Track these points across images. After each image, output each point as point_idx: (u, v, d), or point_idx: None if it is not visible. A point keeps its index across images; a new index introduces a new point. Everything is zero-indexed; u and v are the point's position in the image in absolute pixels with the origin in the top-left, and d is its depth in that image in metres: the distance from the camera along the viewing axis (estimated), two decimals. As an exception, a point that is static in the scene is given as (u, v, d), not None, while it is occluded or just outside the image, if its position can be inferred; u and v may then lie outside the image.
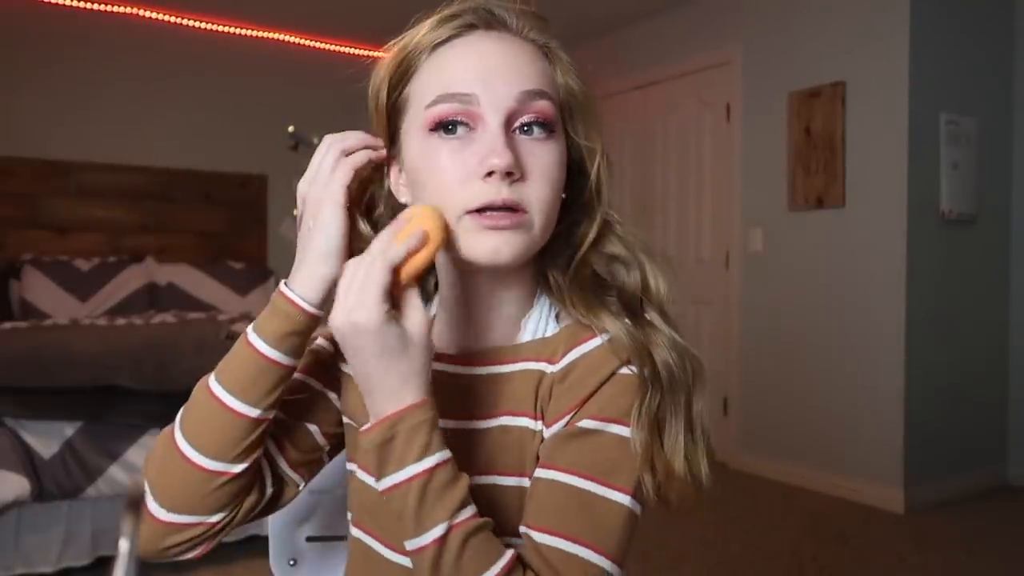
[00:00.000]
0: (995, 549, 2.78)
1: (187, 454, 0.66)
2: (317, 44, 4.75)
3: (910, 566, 2.62)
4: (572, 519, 0.63)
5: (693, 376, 0.68)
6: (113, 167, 4.17)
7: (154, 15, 4.25)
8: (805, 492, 3.44)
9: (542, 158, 0.66)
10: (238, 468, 0.67)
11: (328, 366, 0.79)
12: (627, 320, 0.68)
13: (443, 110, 0.65)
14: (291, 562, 0.98)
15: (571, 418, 0.66)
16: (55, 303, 3.57)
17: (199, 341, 2.51)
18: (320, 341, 0.81)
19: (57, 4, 4.01)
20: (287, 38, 4.66)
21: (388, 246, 0.61)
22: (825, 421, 3.46)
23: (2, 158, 3.89)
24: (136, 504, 0.64)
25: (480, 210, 0.64)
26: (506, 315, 0.72)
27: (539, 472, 0.66)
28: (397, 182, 0.73)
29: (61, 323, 3.10)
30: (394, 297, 0.61)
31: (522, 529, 0.65)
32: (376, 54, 0.72)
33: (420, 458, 0.60)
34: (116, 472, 2.37)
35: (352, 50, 4.77)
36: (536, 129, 0.66)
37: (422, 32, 0.68)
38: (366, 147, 0.70)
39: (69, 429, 2.36)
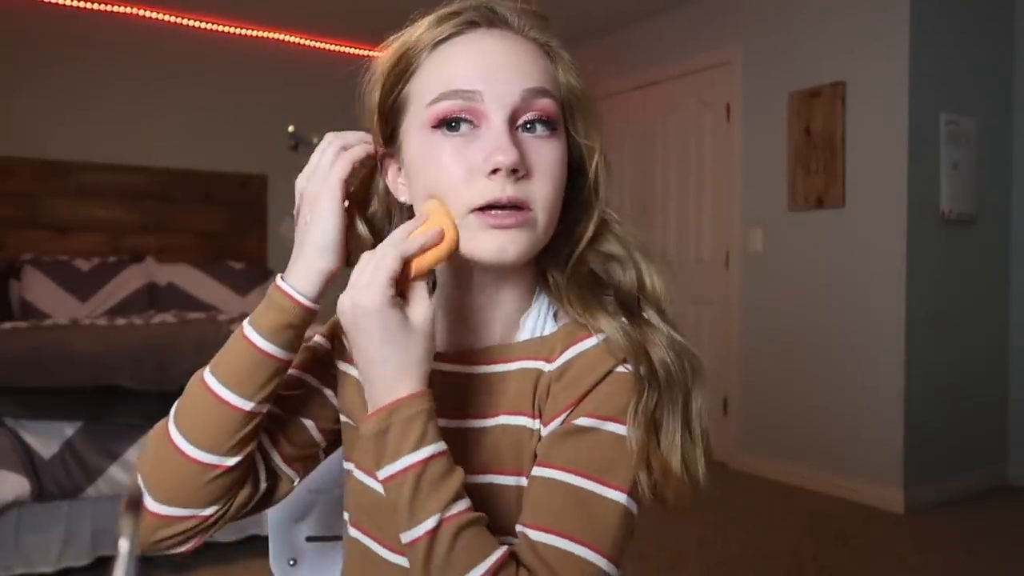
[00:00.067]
0: (995, 549, 2.78)
1: (181, 447, 0.66)
2: (317, 44, 4.75)
3: (910, 566, 2.62)
4: (568, 517, 0.63)
5: (692, 374, 0.68)
6: (113, 167, 4.17)
7: (154, 15, 4.25)
8: (805, 492, 3.44)
9: (545, 156, 0.66)
10: (231, 461, 0.67)
11: (325, 363, 0.79)
12: (624, 319, 0.68)
13: (447, 107, 0.65)
14: (291, 562, 0.98)
15: (567, 416, 0.66)
16: (55, 303, 3.57)
17: (199, 341, 2.51)
18: (317, 338, 0.81)
19: (57, 4, 4.01)
20: (287, 38, 4.66)
21: (403, 238, 0.62)
22: (825, 421, 3.46)
23: (2, 158, 3.89)
24: (136, 504, 0.64)
25: (485, 208, 0.64)
26: (505, 314, 0.72)
27: (535, 470, 0.66)
28: (395, 180, 0.73)
29: (61, 323, 3.10)
30: (402, 288, 0.62)
31: (518, 527, 0.65)
32: (375, 54, 0.72)
33: (415, 448, 0.60)
34: (116, 472, 2.37)
35: (352, 50, 4.77)
36: (539, 127, 0.66)
37: (422, 29, 0.68)
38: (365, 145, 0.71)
39: (69, 429, 2.36)
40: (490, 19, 0.68)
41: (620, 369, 0.66)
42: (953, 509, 3.20)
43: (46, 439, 2.33)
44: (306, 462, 0.77)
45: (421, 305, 0.63)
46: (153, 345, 2.47)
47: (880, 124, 3.26)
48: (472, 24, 0.67)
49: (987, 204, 3.46)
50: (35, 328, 2.84)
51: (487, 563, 0.59)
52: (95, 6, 4.10)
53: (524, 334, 0.72)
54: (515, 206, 0.64)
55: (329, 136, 0.70)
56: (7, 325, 2.82)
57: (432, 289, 0.79)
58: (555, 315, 0.73)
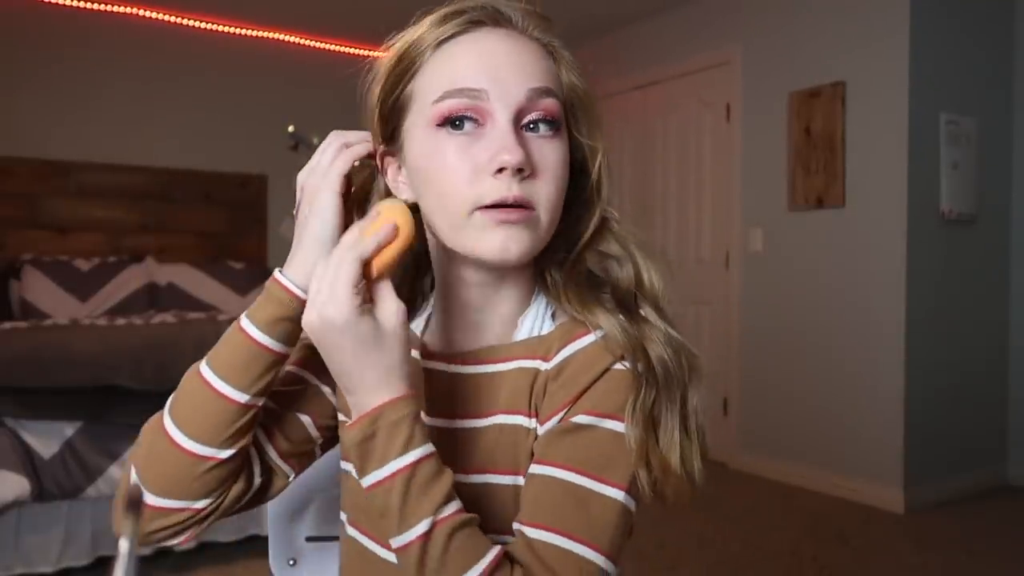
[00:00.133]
0: (995, 549, 2.78)
1: (175, 438, 0.66)
2: (317, 44, 4.75)
3: (910, 566, 2.62)
4: (566, 515, 0.62)
5: (689, 371, 0.68)
6: (113, 167, 4.17)
7: (154, 15, 4.25)
8: (805, 492, 3.44)
9: (549, 156, 0.66)
10: (225, 454, 0.67)
11: (323, 360, 0.79)
12: (621, 316, 0.68)
13: (452, 105, 0.65)
14: (291, 562, 0.98)
15: (565, 414, 0.66)
16: (55, 303, 3.57)
17: (199, 341, 2.51)
18: None
19: (57, 4, 4.02)
20: (287, 38, 4.66)
21: (357, 240, 0.61)
22: (825, 421, 3.46)
23: (2, 158, 3.89)
24: (136, 504, 0.64)
25: (491, 206, 0.64)
26: (503, 314, 0.72)
27: (533, 468, 0.65)
28: (396, 179, 0.72)
29: (61, 323, 3.09)
30: (367, 292, 0.61)
31: (515, 525, 0.64)
32: (376, 54, 0.72)
33: (402, 453, 0.60)
34: (116, 472, 2.37)
35: (352, 50, 4.77)
36: (543, 127, 0.66)
37: (425, 28, 0.67)
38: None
39: (69, 429, 2.36)
40: (495, 18, 0.68)
41: (618, 366, 0.66)
42: (953, 509, 3.20)
43: (46, 439, 2.33)
44: (302, 458, 0.77)
45: (390, 306, 0.62)
46: (153, 345, 2.47)
47: (880, 124, 3.26)
48: (477, 23, 0.67)
49: (987, 204, 3.46)
50: (35, 328, 2.84)
51: (482, 564, 0.59)
52: (95, 6, 4.10)
53: (522, 334, 0.72)
54: (520, 205, 0.64)
55: (333, 134, 0.71)
56: (7, 325, 2.81)
57: (431, 287, 0.79)
58: (553, 315, 0.73)
